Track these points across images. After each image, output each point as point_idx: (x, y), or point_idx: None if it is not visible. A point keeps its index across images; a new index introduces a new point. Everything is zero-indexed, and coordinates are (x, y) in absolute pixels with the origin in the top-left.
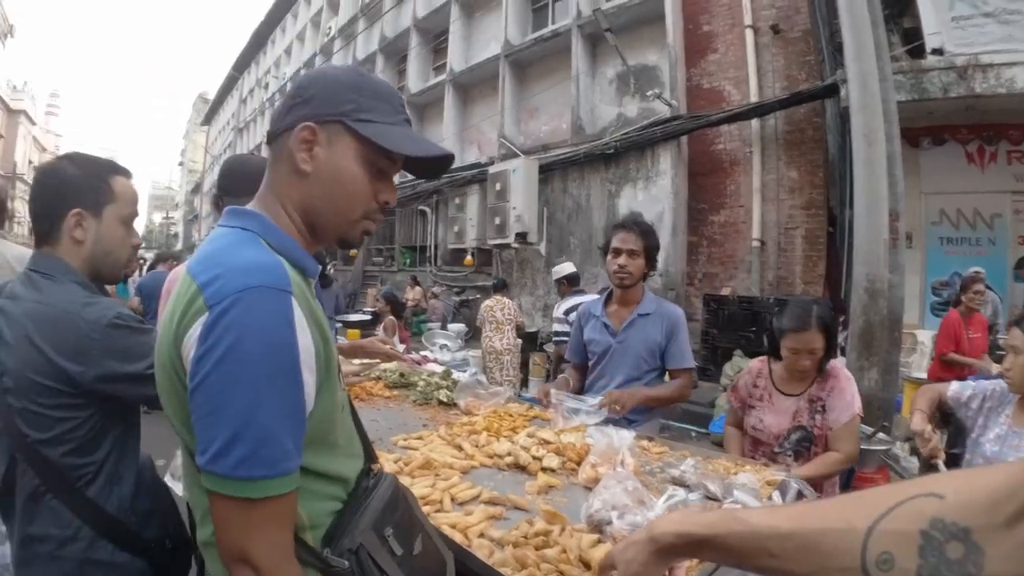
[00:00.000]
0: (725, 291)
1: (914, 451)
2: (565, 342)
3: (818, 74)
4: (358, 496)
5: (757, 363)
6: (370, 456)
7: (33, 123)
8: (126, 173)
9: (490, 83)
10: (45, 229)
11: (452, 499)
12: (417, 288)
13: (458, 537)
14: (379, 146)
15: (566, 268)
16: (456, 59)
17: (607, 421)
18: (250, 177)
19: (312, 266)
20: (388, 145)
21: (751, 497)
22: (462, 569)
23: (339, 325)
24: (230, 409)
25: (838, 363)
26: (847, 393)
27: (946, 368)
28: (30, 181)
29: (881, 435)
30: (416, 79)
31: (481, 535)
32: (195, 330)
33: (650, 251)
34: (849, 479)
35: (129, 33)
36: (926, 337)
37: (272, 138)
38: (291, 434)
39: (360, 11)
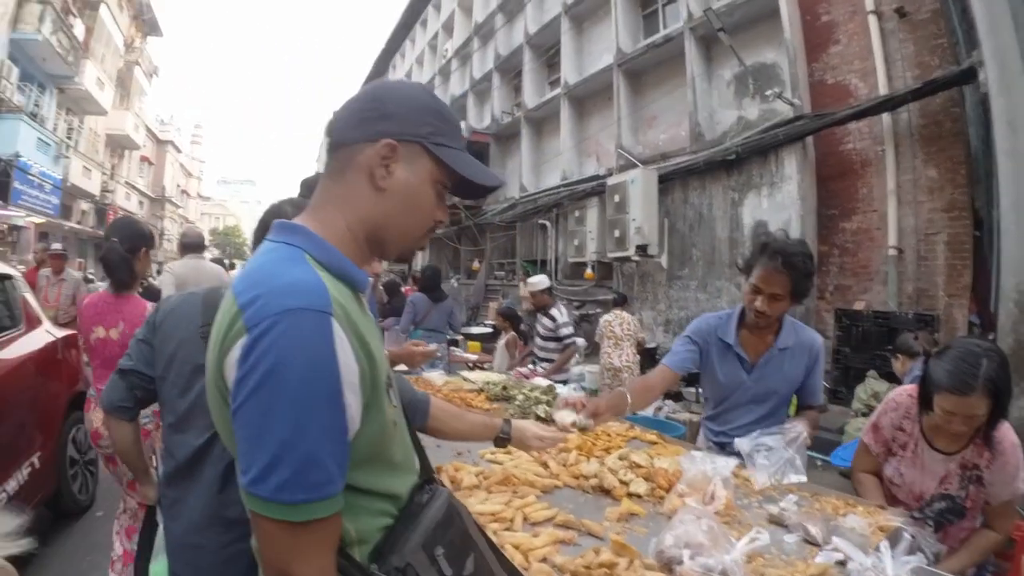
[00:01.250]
0: (859, 305)
1: None
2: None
3: (952, 58)
4: (410, 512)
5: (904, 397)
6: (427, 471)
7: (179, 151)
8: None
9: (605, 93)
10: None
11: (525, 518)
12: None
13: (519, 559)
14: (452, 171)
15: (544, 282)
16: (569, 72)
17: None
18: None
19: (363, 280)
20: (463, 172)
21: (854, 546)
22: None
23: (459, 338)
24: (269, 434)
25: (1004, 425)
26: (1011, 465)
27: None
28: (177, 203)
29: None
30: (532, 94)
31: (544, 559)
32: (235, 352)
33: (799, 290)
34: None
35: (264, 65)
36: None
37: (338, 146)
38: (333, 457)
39: (474, 31)
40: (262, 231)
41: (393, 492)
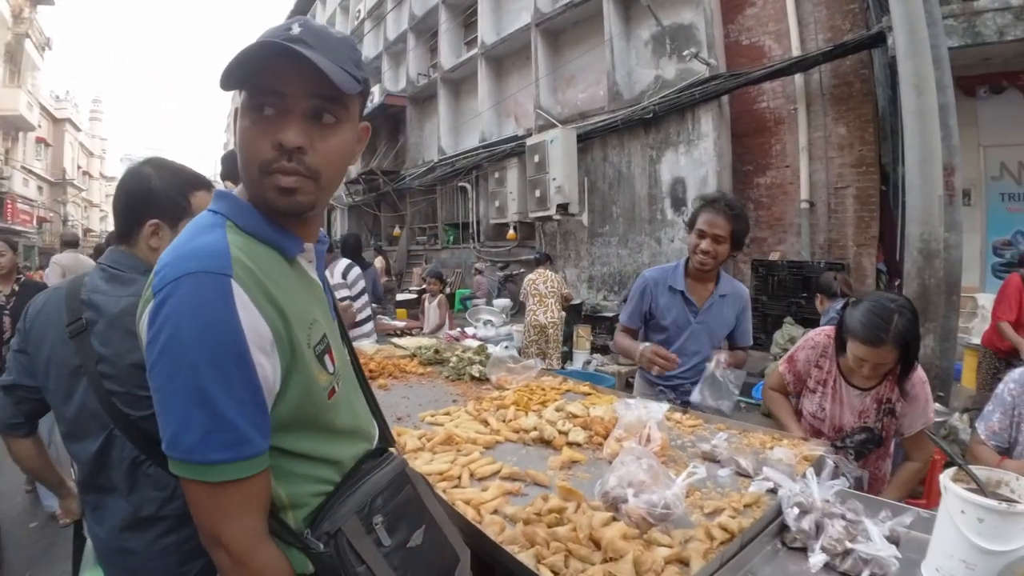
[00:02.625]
0: (774, 256)
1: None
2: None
3: (863, 23)
4: (352, 480)
5: (822, 337)
6: (385, 440)
7: (78, 129)
8: (208, 186)
9: (523, 54)
10: (124, 230)
11: (472, 475)
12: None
13: (471, 513)
14: (244, 88)
15: None
16: (487, 32)
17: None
18: None
19: (289, 244)
20: (224, 75)
21: (783, 475)
22: (473, 546)
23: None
24: (176, 396)
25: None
26: (920, 400)
27: (1001, 336)
28: (80, 185)
29: (937, 406)
30: (448, 55)
31: (495, 512)
32: (145, 317)
33: (738, 235)
34: (899, 454)
35: (165, 34)
36: (987, 301)
37: None
38: (246, 417)
39: None
40: (124, 197)
41: (333, 458)
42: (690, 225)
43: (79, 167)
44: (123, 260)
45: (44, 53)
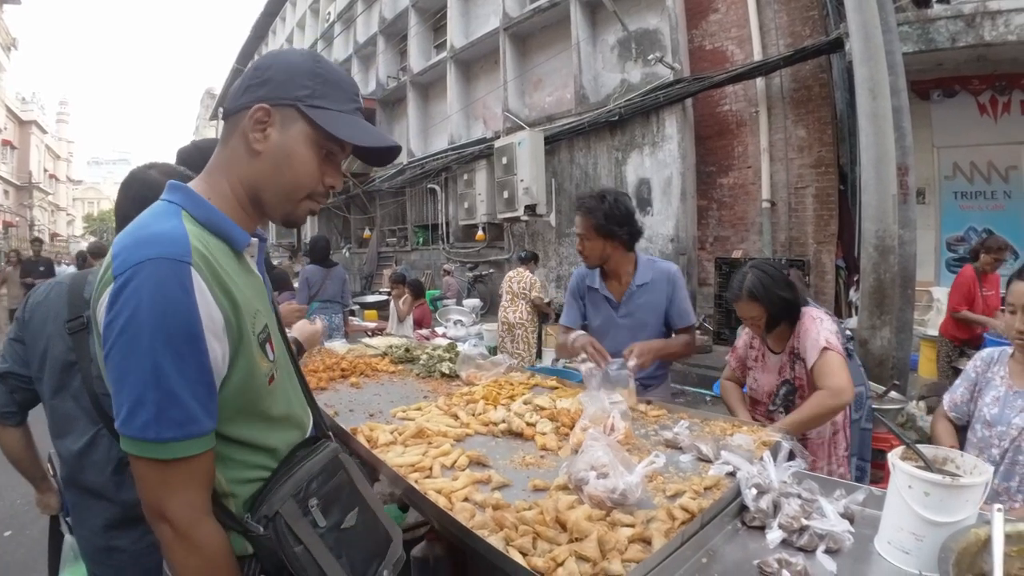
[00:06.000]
0: (737, 254)
1: (930, 410)
2: None
3: (823, 29)
4: (287, 466)
5: None
6: (319, 428)
7: (45, 132)
8: None
9: (492, 57)
10: None
11: (443, 466)
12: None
13: (442, 501)
14: (329, 133)
15: None
16: (456, 36)
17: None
18: (206, 156)
19: (240, 237)
20: (337, 133)
21: (742, 459)
22: (446, 532)
23: (355, 307)
24: (132, 375)
25: (807, 308)
26: (811, 332)
27: (959, 326)
28: (46, 189)
29: (894, 394)
30: (418, 58)
31: (465, 499)
32: (104, 299)
33: (604, 229)
34: (864, 440)
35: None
36: (942, 294)
37: (227, 115)
38: (197, 398)
39: None
40: (129, 203)
41: (268, 446)
42: None
43: (45, 170)
44: None
45: (10, 54)
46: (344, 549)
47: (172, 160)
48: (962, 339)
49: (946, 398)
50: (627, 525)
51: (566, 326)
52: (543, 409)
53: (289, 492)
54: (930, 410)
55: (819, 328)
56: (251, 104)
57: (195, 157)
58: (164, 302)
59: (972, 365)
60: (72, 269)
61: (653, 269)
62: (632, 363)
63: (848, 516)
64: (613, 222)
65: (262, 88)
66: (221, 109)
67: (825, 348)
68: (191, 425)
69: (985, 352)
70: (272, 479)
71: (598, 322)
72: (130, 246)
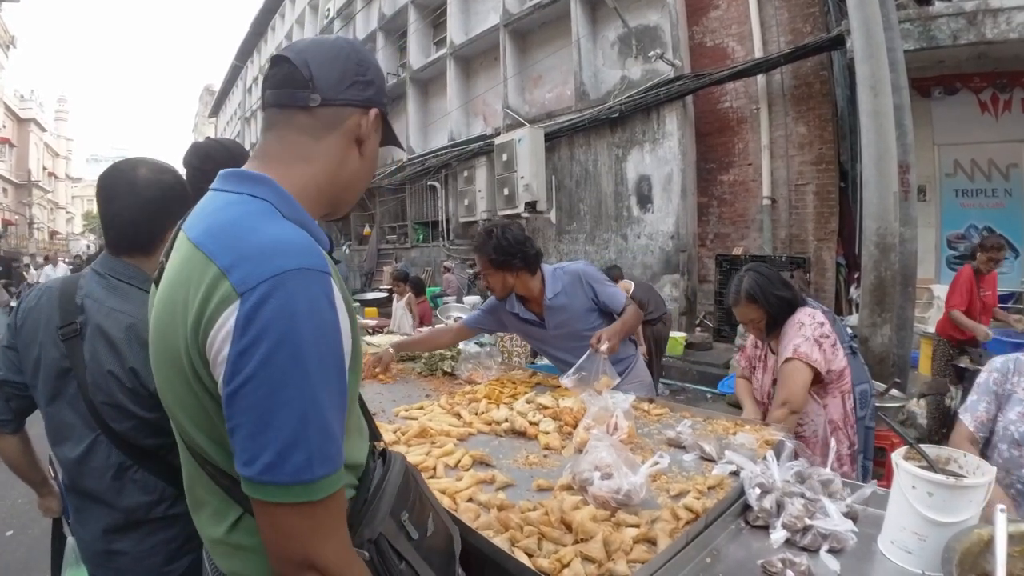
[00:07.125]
0: (737, 251)
1: (930, 408)
2: None
3: (823, 26)
4: (369, 480)
5: None
6: (374, 434)
7: (43, 130)
8: None
9: (491, 54)
10: (139, 241)
11: (446, 465)
12: None
13: (447, 502)
14: (392, 137)
15: None
16: (456, 32)
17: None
18: (233, 156)
19: (327, 242)
20: (399, 143)
21: (744, 458)
22: None
23: (357, 304)
24: (285, 412)
25: (801, 309)
26: (785, 337)
27: (955, 325)
28: (45, 187)
29: (894, 392)
30: (417, 55)
31: (470, 499)
32: (225, 322)
33: (498, 262)
34: (868, 438)
35: (132, 32)
36: (942, 292)
37: (321, 103)
38: (340, 425)
39: None
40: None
41: (356, 461)
42: None
43: (44, 168)
44: (125, 271)
45: (8, 51)
46: (433, 556)
47: (177, 158)
48: (959, 339)
49: (967, 417)
50: (632, 525)
51: (463, 323)
52: (546, 408)
53: (386, 511)
54: (931, 408)
55: (795, 334)
56: (360, 104)
57: (222, 155)
58: (320, 323)
59: (988, 377)
60: (51, 269)
61: (561, 279)
62: (604, 347)
63: (852, 515)
64: (504, 253)
65: (371, 89)
66: (303, 92)
67: (790, 358)
68: (339, 457)
69: (998, 362)
70: (361, 497)
71: (538, 342)
72: (254, 255)
